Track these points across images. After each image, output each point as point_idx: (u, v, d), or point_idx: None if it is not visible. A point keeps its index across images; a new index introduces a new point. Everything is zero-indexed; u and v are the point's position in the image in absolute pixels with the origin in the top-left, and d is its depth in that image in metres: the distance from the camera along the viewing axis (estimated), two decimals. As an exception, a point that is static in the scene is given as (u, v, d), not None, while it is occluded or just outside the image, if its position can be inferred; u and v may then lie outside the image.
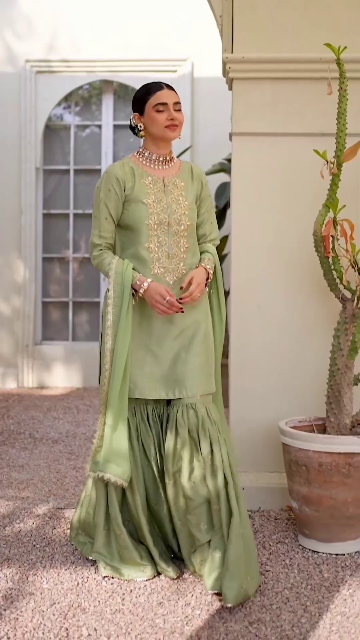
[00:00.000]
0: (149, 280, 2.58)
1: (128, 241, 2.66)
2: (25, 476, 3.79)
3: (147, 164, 2.68)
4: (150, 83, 2.65)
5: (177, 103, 2.63)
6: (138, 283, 2.57)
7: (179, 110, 2.64)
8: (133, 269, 2.61)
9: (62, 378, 6.31)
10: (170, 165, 2.71)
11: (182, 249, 2.66)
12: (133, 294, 2.60)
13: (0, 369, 6.32)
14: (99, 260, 2.66)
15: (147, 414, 2.68)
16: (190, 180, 2.72)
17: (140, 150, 2.71)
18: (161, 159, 2.68)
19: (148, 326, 2.64)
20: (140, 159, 2.69)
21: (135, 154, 2.71)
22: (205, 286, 2.68)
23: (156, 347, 2.63)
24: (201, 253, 2.75)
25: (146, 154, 2.68)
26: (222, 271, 2.80)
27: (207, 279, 2.68)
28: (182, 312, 2.58)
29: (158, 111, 2.60)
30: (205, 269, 2.67)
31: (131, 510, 2.66)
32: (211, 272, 2.69)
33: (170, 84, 2.67)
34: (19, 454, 4.23)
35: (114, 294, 2.58)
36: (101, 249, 2.66)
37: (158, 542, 2.71)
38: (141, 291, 2.57)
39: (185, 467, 2.56)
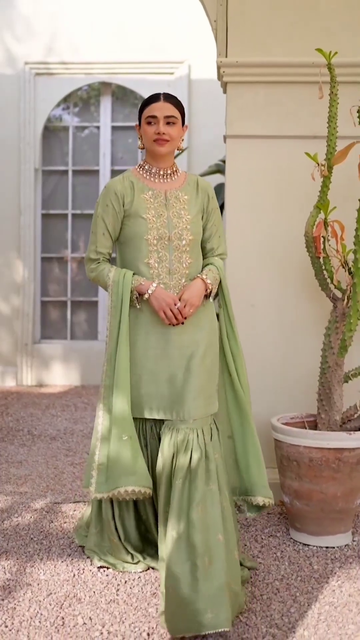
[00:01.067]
0: (155, 283, 2.51)
1: (128, 258, 2.58)
2: (24, 472, 3.86)
3: (148, 177, 2.59)
4: (153, 94, 2.57)
5: (170, 117, 2.52)
6: (143, 285, 2.49)
7: (173, 123, 2.53)
8: (135, 274, 2.53)
9: (60, 376, 6.38)
10: (173, 178, 2.61)
11: (184, 265, 2.56)
12: (137, 297, 2.52)
13: (0, 367, 6.40)
14: (97, 273, 2.59)
15: (146, 431, 2.60)
16: (195, 193, 2.61)
17: (141, 163, 2.64)
18: (161, 172, 2.59)
19: (144, 344, 2.55)
20: (141, 172, 2.61)
21: (137, 167, 2.64)
22: (207, 297, 2.59)
23: (153, 365, 2.54)
24: (205, 266, 2.65)
25: (146, 167, 2.61)
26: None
27: (209, 290, 2.57)
28: (182, 324, 2.51)
29: (148, 124, 2.54)
30: (203, 280, 2.55)
31: (123, 518, 2.68)
32: (210, 283, 2.56)
33: (172, 95, 2.58)
34: (17, 450, 4.30)
35: (111, 304, 2.52)
36: (98, 262, 2.60)
37: (150, 547, 2.74)
38: (150, 291, 2.49)
39: (163, 491, 2.48)
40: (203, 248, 2.68)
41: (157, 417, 2.54)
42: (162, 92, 2.60)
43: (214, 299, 2.67)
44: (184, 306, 2.49)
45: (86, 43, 6.26)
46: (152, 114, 2.52)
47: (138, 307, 2.53)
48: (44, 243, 6.58)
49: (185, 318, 2.51)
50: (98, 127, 6.59)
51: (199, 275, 2.57)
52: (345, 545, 2.95)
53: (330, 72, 2.97)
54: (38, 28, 6.27)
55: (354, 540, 2.99)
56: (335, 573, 2.69)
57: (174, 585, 2.24)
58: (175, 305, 2.48)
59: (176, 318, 2.49)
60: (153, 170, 2.59)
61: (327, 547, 2.92)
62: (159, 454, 2.50)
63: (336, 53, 2.97)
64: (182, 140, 2.61)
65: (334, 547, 2.92)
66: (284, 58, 3.31)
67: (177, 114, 2.54)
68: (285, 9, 3.32)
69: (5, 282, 6.41)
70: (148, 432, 2.60)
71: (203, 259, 2.66)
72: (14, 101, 6.31)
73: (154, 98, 2.55)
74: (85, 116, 6.66)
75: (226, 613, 2.18)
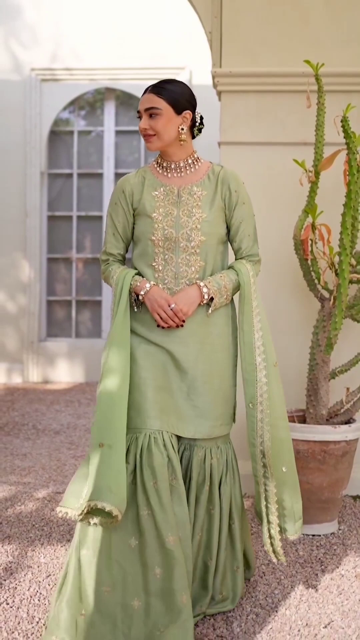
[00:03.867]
0: (151, 282, 2.30)
1: (137, 260, 2.38)
2: (28, 464, 4.04)
3: (162, 172, 2.36)
4: None
5: (150, 108, 2.26)
6: (139, 285, 2.29)
7: (155, 115, 2.26)
8: (138, 274, 2.35)
9: (65, 373, 6.56)
10: (191, 171, 2.35)
11: (192, 269, 2.31)
12: (135, 299, 2.32)
13: (7, 364, 6.58)
14: (106, 274, 2.41)
15: (159, 441, 2.29)
16: (214, 187, 2.33)
17: (157, 157, 2.41)
18: (172, 165, 2.35)
19: (145, 352, 2.32)
20: (156, 167, 2.38)
21: (154, 161, 2.41)
22: (200, 303, 2.29)
23: (156, 375, 2.32)
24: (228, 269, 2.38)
25: (159, 161, 2.38)
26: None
27: (205, 299, 2.29)
28: (182, 326, 2.28)
29: (138, 118, 2.33)
30: (198, 287, 2.28)
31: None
32: (207, 292, 2.28)
33: (166, 81, 2.30)
34: (22, 443, 4.48)
35: (112, 306, 2.33)
36: (108, 263, 2.43)
37: None
38: (143, 292, 2.28)
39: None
40: (232, 248, 2.43)
41: (162, 428, 2.26)
42: (152, 84, 2.32)
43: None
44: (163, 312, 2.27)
45: (89, 50, 6.42)
46: (138, 109, 2.31)
47: (136, 310, 2.33)
48: (50, 244, 6.75)
49: (184, 320, 2.27)
50: (103, 131, 6.76)
51: (197, 280, 2.31)
52: (331, 534, 3.09)
53: (317, 82, 3.11)
54: (43, 35, 6.44)
55: (339, 529, 3.14)
56: (319, 559, 2.84)
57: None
58: (169, 306, 2.25)
59: (172, 320, 2.26)
60: (164, 164, 2.36)
61: (313, 535, 3.07)
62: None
63: (323, 64, 3.11)
64: (182, 130, 2.29)
65: (320, 535, 3.07)
66: (275, 68, 3.45)
67: (159, 103, 2.25)
68: (277, 22, 3.47)
69: (11, 282, 6.59)
70: (144, 449, 2.25)
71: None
72: (21, 106, 6.48)
73: (144, 91, 2.32)
74: (91, 119, 6.82)
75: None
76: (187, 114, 2.30)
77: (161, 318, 2.26)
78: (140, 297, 2.29)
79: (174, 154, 2.33)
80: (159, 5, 6.40)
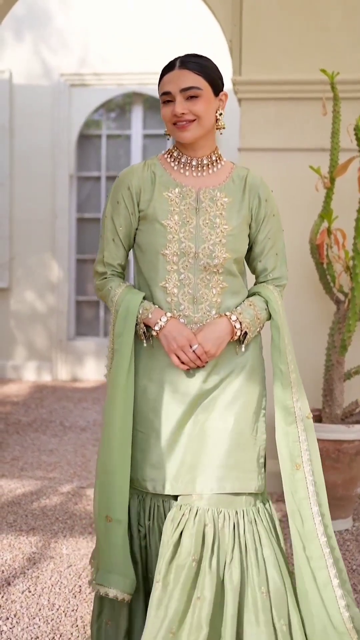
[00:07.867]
0: (168, 314, 1.86)
1: (143, 277, 1.94)
2: (54, 459, 4.18)
3: (177, 168, 1.91)
4: (170, 61, 1.87)
5: (189, 88, 1.81)
6: (151, 316, 1.85)
7: (195, 97, 1.81)
8: (145, 299, 1.90)
9: (93, 371, 6.71)
10: (212, 170, 1.91)
11: (214, 291, 1.89)
12: (144, 332, 1.88)
13: (36, 362, 6.75)
14: (103, 292, 1.96)
15: (149, 510, 1.94)
16: (241, 194, 1.92)
17: (171, 148, 1.95)
18: (194, 162, 1.90)
19: (156, 394, 1.91)
20: (169, 161, 1.92)
21: (166, 152, 1.95)
22: (241, 342, 1.90)
23: (164, 421, 1.90)
24: (250, 296, 1.96)
25: (175, 154, 1.92)
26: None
27: (237, 335, 1.88)
28: (203, 366, 1.86)
29: (164, 103, 1.85)
30: (229, 321, 1.86)
31: None
32: (240, 327, 1.86)
33: (196, 55, 1.86)
34: (49, 440, 4.63)
35: (113, 342, 1.90)
36: (105, 277, 1.96)
37: None
38: (157, 327, 1.84)
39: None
40: (254, 269, 2.02)
41: (163, 491, 1.88)
42: (179, 57, 1.87)
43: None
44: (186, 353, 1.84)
45: (117, 55, 6.54)
46: (166, 89, 1.84)
47: (145, 344, 1.90)
48: (78, 245, 6.91)
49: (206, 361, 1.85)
50: (130, 135, 6.89)
51: (227, 313, 1.88)
52: (345, 530, 3.18)
53: (333, 90, 3.19)
54: (72, 41, 6.58)
55: (354, 526, 3.22)
56: (332, 554, 2.93)
57: None
58: (191, 347, 1.82)
59: (194, 362, 1.84)
60: (182, 160, 1.91)
61: (327, 531, 3.15)
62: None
63: (338, 73, 3.19)
64: (221, 115, 1.88)
65: (334, 532, 3.15)
66: (293, 76, 3.53)
67: (199, 82, 1.82)
68: (295, 31, 3.54)
69: (41, 282, 6.76)
70: (153, 511, 1.93)
71: (255, 284, 2.03)
72: (50, 111, 6.63)
73: (169, 67, 1.86)
74: (120, 122, 6.96)
75: None
76: (224, 95, 1.89)
77: (180, 359, 1.84)
78: (155, 331, 1.85)
79: (203, 146, 1.89)
80: (184, 12, 6.49)
